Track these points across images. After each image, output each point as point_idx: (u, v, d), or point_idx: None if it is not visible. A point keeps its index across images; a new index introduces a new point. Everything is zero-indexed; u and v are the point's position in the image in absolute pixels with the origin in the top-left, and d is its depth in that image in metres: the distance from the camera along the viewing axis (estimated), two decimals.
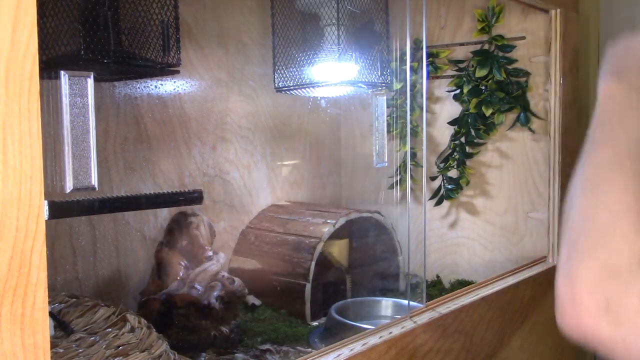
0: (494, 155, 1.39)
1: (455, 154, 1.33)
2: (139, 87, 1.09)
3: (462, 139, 1.32)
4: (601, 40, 1.95)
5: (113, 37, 0.81)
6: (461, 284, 1.39)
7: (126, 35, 0.86)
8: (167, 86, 1.14)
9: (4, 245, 0.38)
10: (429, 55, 1.37)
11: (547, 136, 1.31)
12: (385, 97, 1.12)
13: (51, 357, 0.56)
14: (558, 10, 1.28)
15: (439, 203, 1.35)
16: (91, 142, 0.65)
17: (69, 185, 0.64)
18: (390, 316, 1.22)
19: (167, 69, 0.91)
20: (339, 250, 1.30)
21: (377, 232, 1.37)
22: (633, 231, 0.44)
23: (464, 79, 1.31)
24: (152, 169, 1.13)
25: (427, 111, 1.43)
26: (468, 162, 1.33)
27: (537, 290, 1.24)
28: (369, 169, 1.56)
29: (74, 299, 0.89)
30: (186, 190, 0.96)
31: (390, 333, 0.88)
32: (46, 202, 0.41)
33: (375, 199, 1.54)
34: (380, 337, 0.87)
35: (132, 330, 0.80)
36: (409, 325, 0.92)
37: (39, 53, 0.39)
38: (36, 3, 0.39)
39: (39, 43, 0.39)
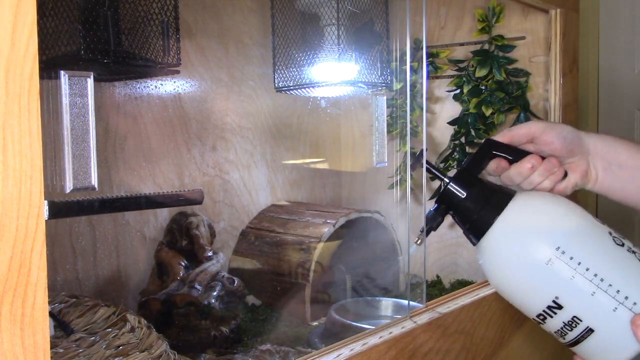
0: None
1: (455, 154, 1.33)
2: (139, 87, 1.09)
3: (462, 139, 1.32)
4: (601, 40, 1.95)
5: (113, 37, 0.81)
6: (461, 284, 1.39)
7: (126, 35, 0.86)
8: (167, 86, 1.14)
9: (4, 245, 0.38)
10: (429, 55, 1.37)
11: None
12: (385, 97, 1.12)
13: (51, 357, 0.56)
14: (558, 10, 1.28)
15: None
16: (91, 142, 0.65)
17: (69, 185, 0.64)
18: (390, 316, 1.22)
19: (167, 69, 0.91)
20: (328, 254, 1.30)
21: (377, 232, 1.37)
22: None
23: (464, 79, 1.31)
24: (152, 169, 1.13)
25: (427, 111, 1.43)
26: None
27: None
28: (369, 169, 1.56)
29: (74, 299, 0.89)
30: (186, 190, 0.96)
31: (390, 333, 0.88)
32: (46, 202, 0.41)
33: (375, 199, 1.54)
34: (380, 337, 0.87)
35: (132, 330, 0.80)
36: (409, 325, 0.92)
37: (39, 53, 0.39)
38: (36, 3, 0.39)
39: (39, 43, 0.39)
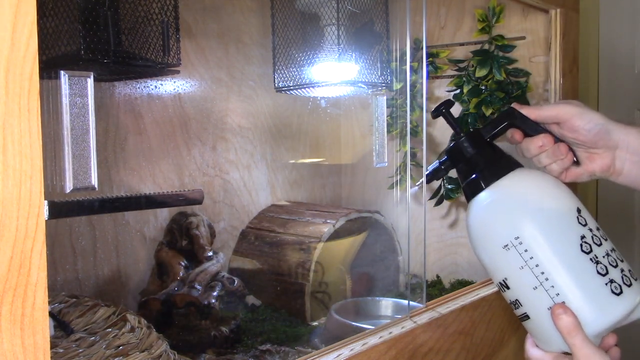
0: None
1: None
2: (139, 87, 1.09)
3: None
4: (601, 40, 1.95)
5: (113, 37, 0.81)
6: (461, 284, 1.39)
7: (126, 35, 0.86)
8: (167, 86, 1.14)
9: (4, 245, 0.38)
10: (429, 55, 1.37)
11: None
12: (385, 97, 1.12)
13: (51, 357, 0.56)
14: (558, 10, 1.28)
15: (439, 203, 1.35)
16: (91, 142, 0.65)
17: (69, 185, 0.64)
18: (390, 316, 1.22)
19: (167, 69, 0.91)
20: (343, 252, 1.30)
21: (377, 232, 1.37)
22: None
23: (464, 79, 1.31)
24: (152, 169, 1.13)
25: (427, 111, 1.43)
26: None
27: None
28: (369, 169, 1.56)
29: (74, 299, 0.89)
30: (186, 190, 0.96)
31: (390, 333, 0.88)
32: (46, 202, 0.41)
33: (375, 199, 1.54)
34: (380, 337, 0.87)
35: (132, 330, 0.80)
36: (409, 325, 0.92)
37: (39, 53, 0.39)
38: (36, 3, 0.39)
39: (39, 43, 0.39)
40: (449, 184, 1.34)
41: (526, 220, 0.65)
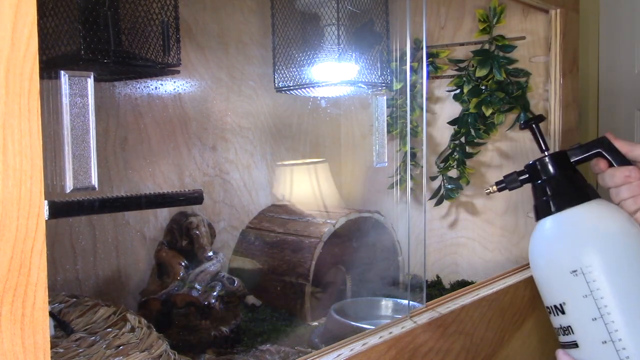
0: (494, 155, 1.39)
1: (455, 154, 1.33)
2: (139, 87, 1.09)
3: (462, 139, 1.32)
4: (601, 40, 1.95)
5: (113, 37, 0.81)
6: (461, 284, 1.39)
7: (126, 35, 0.86)
8: (167, 86, 1.14)
9: (4, 245, 0.38)
10: (429, 55, 1.37)
11: (547, 136, 1.31)
12: (385, 97, 1.12)
13: (51, 357, 0.56)
14: (558, 10, 1.28)
15: (439, 203, 1.35)
16: (91, 142, 0.65)
17: (69, 185, 0.64)
18: (390, 316, 1.22)
19: (167, 69, 0.91)
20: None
21: (377, 232, 1.37)
22: None
23: (464, 79, 1.31)
24: (152, 169, 1.13)
25: (427, 111, 1.43)
26: (468, 162, 1.33)
27: (537, 290, 1.23)
28: (369, 169, 1.56)
29: (74, 299, 0.89)
30: (186, 190, 0.95)
31: (390, 333, 0.88)
32: (46, 202, 0.41)
33: (375, 199, 1.54)
34: (380, 337, 0.87)
35: (132, 330, 0.80)
36: (409, 325, 0.92)
37: (39, 53, 0.39)
38: (36, 3, 0.39)
39: (39, 43, 0.39)
40: (449, 184, 1.34)
41: (601, 251, 0.64)
